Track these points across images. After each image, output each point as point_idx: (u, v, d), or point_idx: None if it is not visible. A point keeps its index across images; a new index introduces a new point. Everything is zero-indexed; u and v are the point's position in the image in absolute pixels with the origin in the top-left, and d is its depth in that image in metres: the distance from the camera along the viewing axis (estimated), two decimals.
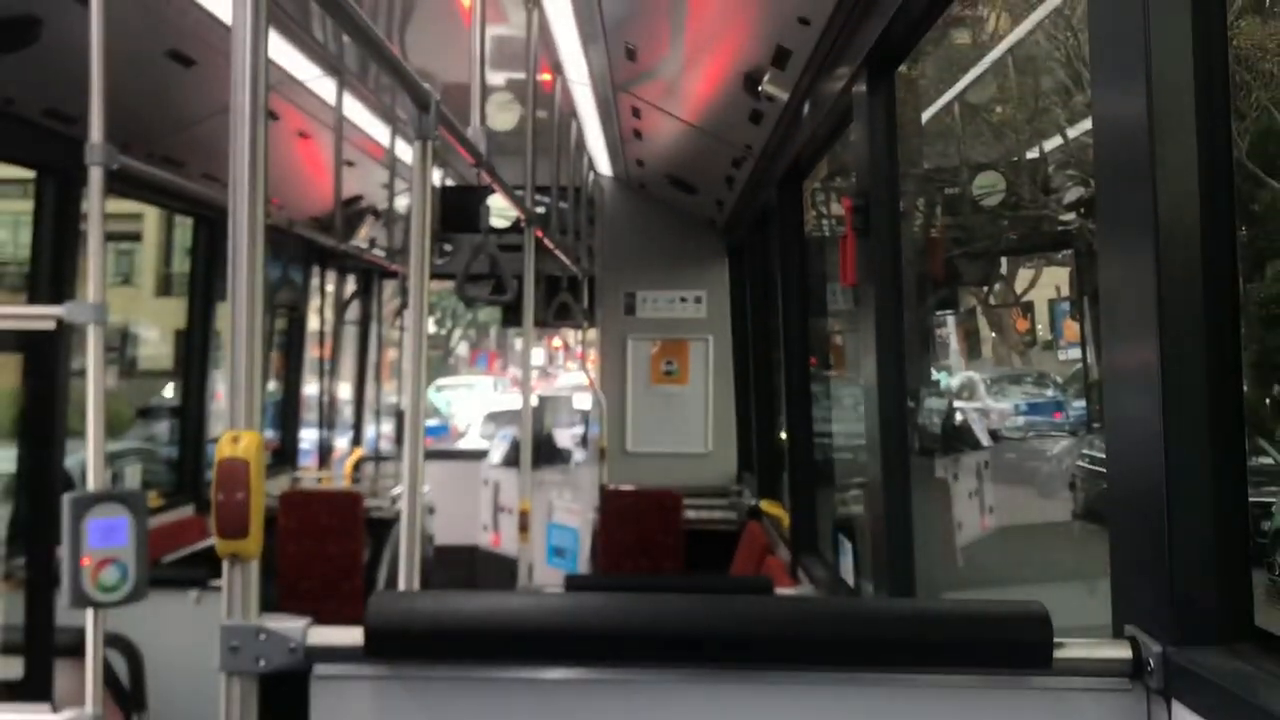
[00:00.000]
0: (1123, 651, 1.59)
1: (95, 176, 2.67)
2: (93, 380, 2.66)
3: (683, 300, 8.03)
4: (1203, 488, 1.54)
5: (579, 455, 9.53)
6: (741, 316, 7.83)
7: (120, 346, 11.71)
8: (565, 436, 10.11)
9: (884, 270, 3.46)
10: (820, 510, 5.33)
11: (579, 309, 7.11)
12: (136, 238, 15.06)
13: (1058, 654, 1.58)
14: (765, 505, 6.45)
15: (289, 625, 1.62)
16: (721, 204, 7.13)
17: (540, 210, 5.66)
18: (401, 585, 2.74)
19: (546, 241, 5.39)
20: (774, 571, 5.42)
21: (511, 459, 8.66)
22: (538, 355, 28.72)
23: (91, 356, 2.67)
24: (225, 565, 1.60)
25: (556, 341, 26.92)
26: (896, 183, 3.43)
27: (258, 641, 1.60)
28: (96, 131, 2.64)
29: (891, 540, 3.44)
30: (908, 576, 3.37)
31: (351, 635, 1.64)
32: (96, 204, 2.72)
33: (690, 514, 7.34)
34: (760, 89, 4.30)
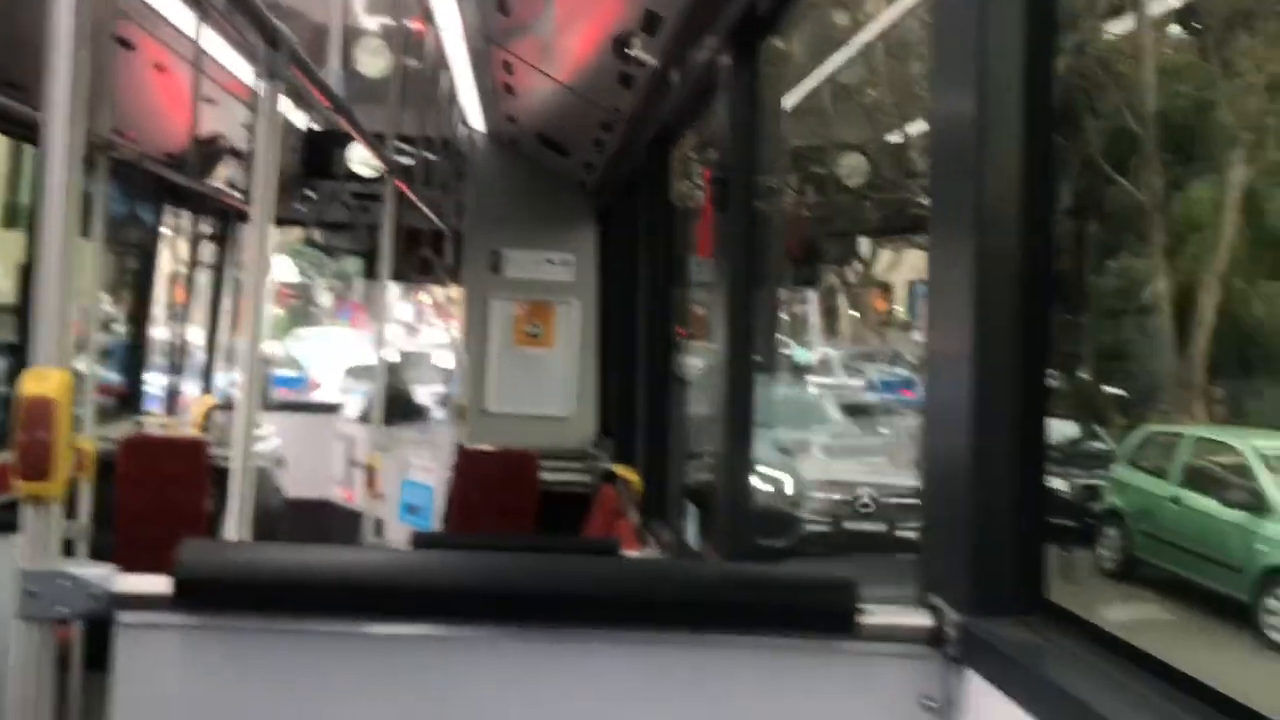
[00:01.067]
0: (924, 620, 1.66)
1: None
2: None
3: (550, 262, 7.99)
4: (1006, 468, 1.61)
5: (438, 413, 9.45)
6: (608, 282, 7.84)
7: None
8: (425, 394, 10.00)
9: (740, 245, 3.51)
10: (670, 476, 5.40)
11: (441, 264, 7.02)
12: None
13: (862, 620, 1.64)
14: (619, 469, 6.51)
15: (93, 571, 1.57)
16: (592, 167, 7.11)
17: (407, 161, 5.56)
18: (231, 535, 2.68)
19: (409, 193, 5.30)
20: (624, 534, 5.47)
21: (368, 414, 8.51)
22: (406, 310, 28.26)
23: None
24: (26, 508, 1.54)
25: (426, 297, 26.53)
26: (756, 159, 3.48)
27: (58, 588, 1.55)
28: None
29: (732, 508, 3.52)
30: (746, 542, 3.45)
31: (160, 584, 1.60)
32: None
33: (547, 476, 7.35)
34: (629, 53, 4.29)
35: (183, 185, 6.73)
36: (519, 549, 4.11)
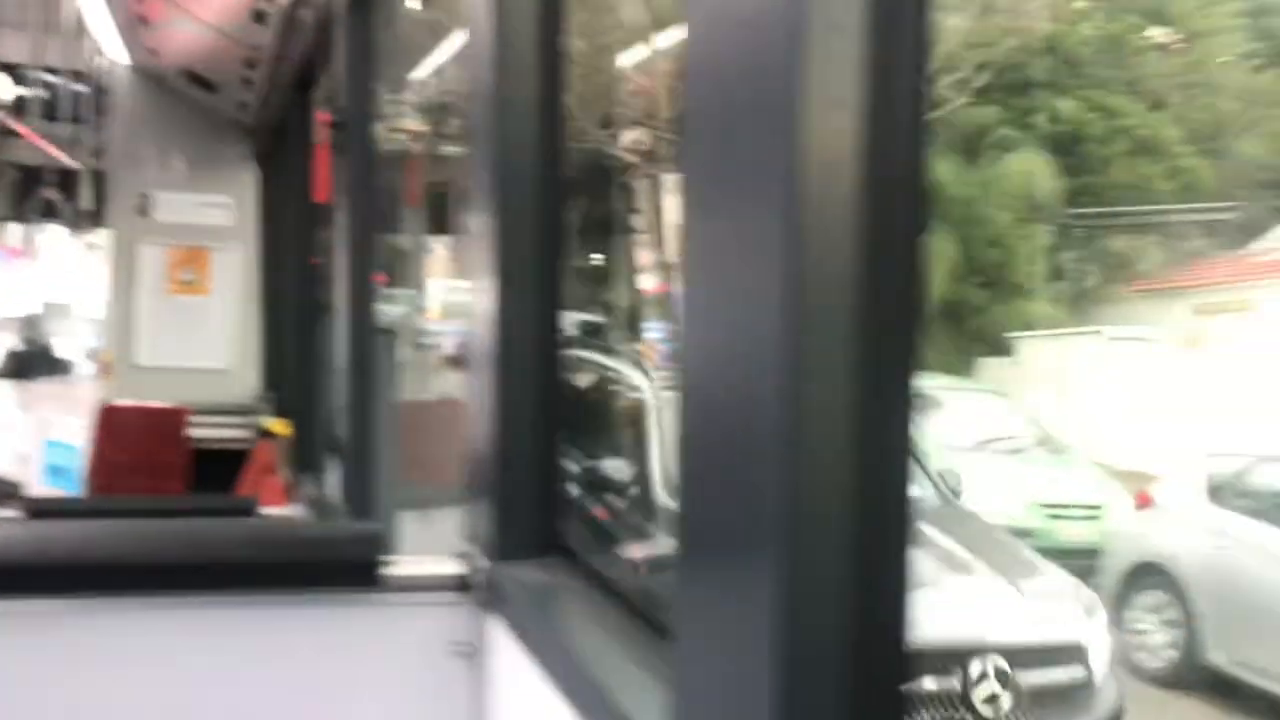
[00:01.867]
0: (454, 568, 1.68)
1: None
2: None
3: (206, 205, 7.52)
4: (524, 418, 1.65)
5: (85, 368, 8.76)
6: (270, 226, 7.48)
7: None
8: (69, 346, 9.23)
9: (359, 190, 3.43)
10: (318, 429, 5.26)
11: (70, 207, 6.46)
12: None
13: (390, 571, 1.64)
14: (274, 424, 6.27)
15: None
16: (246, 106, 6.74)
17: (20, 93, 5.07)
18: None
19: (19, 128, 4.84)
20: (273, 491, 5.29)
21: (9, 370, 7.78)
22: (75, 256, 26.00)
23: None
24: None
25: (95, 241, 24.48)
26: (372, 102, 3.39)
27: None
28: None
29: (356, 459, 3.46)
30: (368, 495, 3.41)
31: None
32: None
33: (203, 432, 6.98)
34: None
35: None
36: (149, 512, 3.90)
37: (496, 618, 1.61)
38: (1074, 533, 10.33)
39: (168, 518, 4.15)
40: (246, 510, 4.59)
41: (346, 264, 3.45)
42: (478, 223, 1.73)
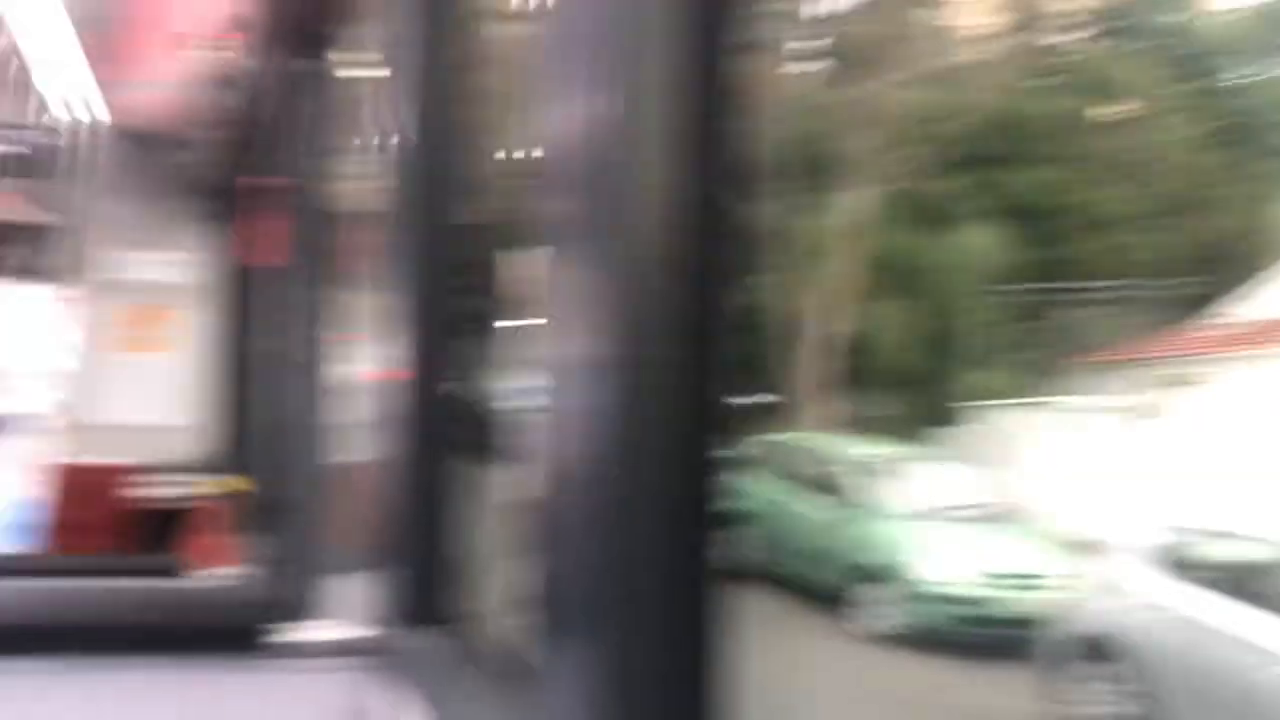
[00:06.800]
0: (349, 633, 1.68)
1: None
2: None
3: (166, 263, 7.53)
4: (419, 487, 1.65)
5: (33, 424, 8.65)
6: (244, 283, 7.48)
7: None
8: (18, 402, 9.10)
9: (309, 251, 3.48)
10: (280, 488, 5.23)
11: (33, 263, 6.42)
12: None
13: (279, 637, 1.63)
14: (228, 482, 6.23)
15: None
16: (209, 164, 6.79)
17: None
18: None
19: None
20: (219, 551, 5.24)
21: None
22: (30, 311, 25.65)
23: None
24: None
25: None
26: (326, 163, 3.47)
27: None
28: None
29: (287, 520, 3.45)
30: (295, 556, 3.39)
31: None
32: None
33: (156, 490, 6.91)
34: (221, 51, 4.16)
35: None
36: (49, 571, 3.86)
37: (399, 686, 1.61)
38: (1025, 602, 10.34)
39: (77, 577, 4.11)
40: (166, 570, 4.54)
41: (298, 323, 3.49)
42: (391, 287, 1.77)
